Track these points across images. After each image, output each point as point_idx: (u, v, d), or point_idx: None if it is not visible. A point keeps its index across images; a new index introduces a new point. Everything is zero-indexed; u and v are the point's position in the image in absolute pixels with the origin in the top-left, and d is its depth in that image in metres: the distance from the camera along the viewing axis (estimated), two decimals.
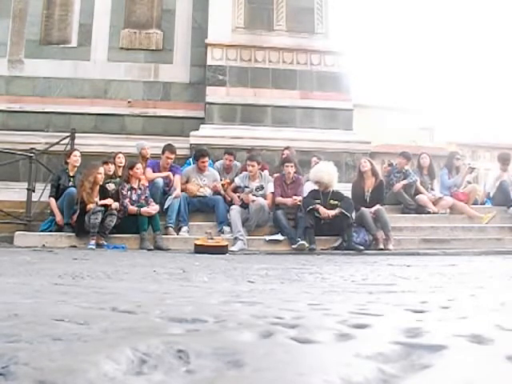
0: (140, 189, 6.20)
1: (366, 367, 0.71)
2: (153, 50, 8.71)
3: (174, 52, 8.76)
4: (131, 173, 6.19)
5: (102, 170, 6.14)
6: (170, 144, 6.88)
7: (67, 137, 7.47)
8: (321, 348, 0.86)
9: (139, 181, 6.24)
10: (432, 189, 7.35)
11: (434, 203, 7.06)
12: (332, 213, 5.92)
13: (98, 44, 8.63)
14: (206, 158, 6.71)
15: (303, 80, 8.40)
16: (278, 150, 7.40)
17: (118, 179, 6.67)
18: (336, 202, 6.04)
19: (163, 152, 6.74)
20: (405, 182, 6.98)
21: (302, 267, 3.50)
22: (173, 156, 6.75)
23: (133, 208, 6.00)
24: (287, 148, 7.09)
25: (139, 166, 6.27)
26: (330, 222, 5.98)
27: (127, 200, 6.07)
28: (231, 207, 6.27)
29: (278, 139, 7.72)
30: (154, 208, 6.06)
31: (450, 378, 0.69)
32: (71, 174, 6.51)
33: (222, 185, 6.66)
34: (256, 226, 6.29)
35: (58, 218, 6.19)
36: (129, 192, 6.14)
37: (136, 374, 0.70)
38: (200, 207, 6.53)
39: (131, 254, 5.01)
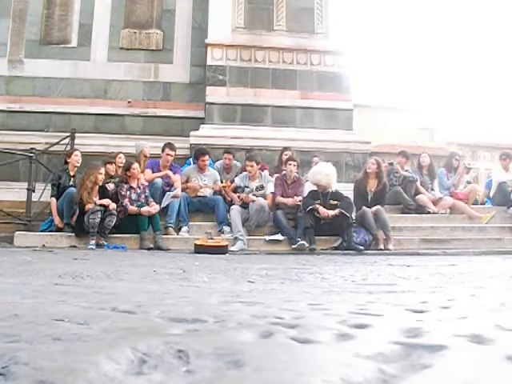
0: (139, 188, 6.20)
1: (366, 367, 0.71)
2: (153, 49, 8.71)
3: (174, 52, 8.76)
4: (128, 174, 6.17)
5: (103, 170, 6.13)
6: (169, 142, 6.89)
7: (67, 137, 7.47)
8: (321, 348, 0.86)
9: (138, 180, 6.24)
10: (432, 189, 7.34)
11: (434, 203, 7.06)
12: (332, 213, 5.92)
13: (97, 44, 8.63)
14: (207, 157, 6.71)
15: (303, 80, 8.40)
16: (277, 150, 7.39)
17: (117, 179, 6.67)
18: (336, 202, 6.04)
19: (163, 150, 6.75)
20: (406, 173, 7.01)
21: (302, 267, 3.50)
22: (173, 153, 6.75)
23: (133, 208, 5.99)
24: (287, 148, 7.08)
25: (136, 165, 6.25)
26: (330, 222, 5.98)
27: (126, 200, 6.06)
28: (231, 207, 6.27)
29: (277, 139, 7.71)
30: (154, 207, 6.06)
31: (450, 378, 0.69)
32: (71, 174, 6.50)
33: (224, 187, 6.66)
34: (256, 226, 6.29)
35: (56, 221, 6.19)
36: (128, 192, 6.13)
37: (136, 373, 0.70)
38: (200, 207, 6.53)
39: (131, 254, 5.00)
